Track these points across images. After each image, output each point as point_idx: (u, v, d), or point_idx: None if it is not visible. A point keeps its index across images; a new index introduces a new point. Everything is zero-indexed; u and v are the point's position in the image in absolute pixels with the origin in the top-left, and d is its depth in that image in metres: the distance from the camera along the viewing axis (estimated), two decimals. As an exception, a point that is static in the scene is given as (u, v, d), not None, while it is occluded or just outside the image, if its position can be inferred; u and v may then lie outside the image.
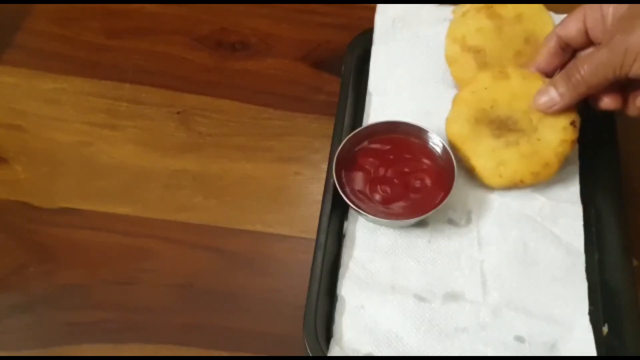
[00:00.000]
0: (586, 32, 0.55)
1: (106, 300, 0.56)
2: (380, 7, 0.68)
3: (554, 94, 0.55)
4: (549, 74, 0.58)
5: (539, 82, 0.58)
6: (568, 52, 0.58)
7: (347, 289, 0.54)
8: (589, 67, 0.52)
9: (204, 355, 0.54)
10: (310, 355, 0.51)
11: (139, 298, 0.57)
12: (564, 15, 0.66)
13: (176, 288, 0.57)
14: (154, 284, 0.57)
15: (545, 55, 0.58)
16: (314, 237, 0.56)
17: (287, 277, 0.58)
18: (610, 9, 0.53)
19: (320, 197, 0.58)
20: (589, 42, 0.56)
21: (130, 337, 0.55)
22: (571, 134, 0.56)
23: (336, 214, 0.57)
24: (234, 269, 0.58)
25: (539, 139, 0.57)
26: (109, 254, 0.59)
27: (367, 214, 0.55)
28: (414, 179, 0.57)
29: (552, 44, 0.58)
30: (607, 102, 0.54)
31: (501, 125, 0.58)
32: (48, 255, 0.58)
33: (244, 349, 0.54)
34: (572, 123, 0.57)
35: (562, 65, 0.58)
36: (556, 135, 0.56)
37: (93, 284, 0.57)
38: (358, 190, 0.57)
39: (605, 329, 0.53)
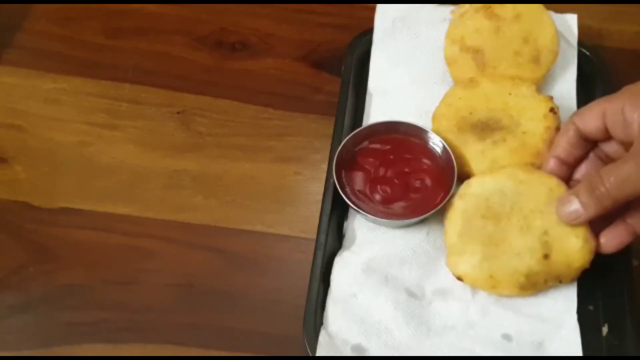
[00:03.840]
0: (606, 130, 0.52)
1: (106, 300, 0.56)
2: (380, 8, 0.68)
3: (577, 206, 0.51)
4: (569, 164, 0.55)
5: (508, 82, 0.59)
6: (589, 142, 0.54)
7: (340, 275, 0.54)
8: (615, 181, 0.48)
9: (203, 355, 0.54)
10: (310, 355, 0.51)
11: (139, 298, 0.57)
12: (562, 15, 0.66)
13: (176, 288, 0.57)
14: (154, 284, 0.57)
15: (564, 145, 0.54)
16: (314, 237, 0.56)
17: (287, 277, 0.58)
18: (635, 114, 0.49)
19: (320, 197, 0.58)
20: (609, 138, 0.53)
21: (130, 337, 0.55)
22: (553, 121, 0.57)
23: (336, 214, 0.57)
24: (234, 269, 0.58)
25: (524, 132, 0.58)
26: (109, 254, 0.59)
27: (367, 214, 0.55)
28: (414, 179, 0.57)
29: (571, 133, 0.54)
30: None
31: (484, 128, 0.58)
32: (48, 255, 0.58)
33: (244, 349, 0.55)
34: (551, 110, 0.58)
35: (583, 156, 0.55)
36: (539, 124, 0.57)
37: (93, 284, 0.57)
38: (358, 190, 0.57)
39: (605, 329, 0.53)
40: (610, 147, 0.54)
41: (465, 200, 0.54)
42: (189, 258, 0.59)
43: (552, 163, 0.55)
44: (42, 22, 0.72)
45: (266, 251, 0.59)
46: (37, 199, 0.61)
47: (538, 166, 0.57)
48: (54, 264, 0.58)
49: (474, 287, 0.54)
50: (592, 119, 0.52)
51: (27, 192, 0.61)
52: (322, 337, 0.51)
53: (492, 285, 0.52)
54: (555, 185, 0.54)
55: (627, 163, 0.49)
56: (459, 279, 0.53)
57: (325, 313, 0.53)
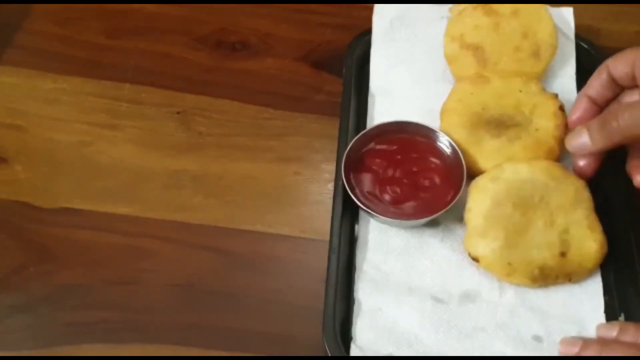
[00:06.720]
0: (633, 77, 0.54)
1: (106, 300, 0.56)
2: (377, 8, 0.68)
3: (585, 139, 0.53)
4: (599, 105, 0.57)
5: (517, 79, 0.60)
6: (618, 86, 0.56)
7: (364, 291, 0.54)
8: (630, 118, 0.50)
9: (204, 355, 0.54)
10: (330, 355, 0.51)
11: (139, 298, 0.57)
12: (559, 9, 0.66)
13: (176, 288, 0.57)
14: (154, 284, 0.57)
15: (596, 86, 0.56)
16: (314, 237, 0.56)
17: (287, 277, 0.58)
18: None
19: (320, 197, 0.58)
20: (635, 85, 0.54)
21: (130, 337, 0.55)
22: (562, 118, 0.58)
23: (347, 217, 0.57)
24: (234, 269, 0.58)
25: (536, 129, 0.58)
26: (109, 254, 0.59)
27: (378, 215, 0.55)
28: (423, 178, 0.57)
29: (603, 76, 0.55)
30: None
31: (499, 124, 0.58)
32: (48, 255, 0.58)
33: (243, 349, 0.54)
34: (560, 107, 0.58)
35: (612, 98, 0.57)
36: (550, 121, 0.58)
37: (93, 284, 0.57)
38: (368, 192, 0.57)
39: (621, 319, 0.54)
40: (633, 98, 0.55)
41: (498, 184, 0.55)
42: (189, 258, 0.59)
43: (584, 101, 0.56)
44: (42, 22, 0.72)
45: (266, 251, 0.59)
46: (37, 199, 0.61)
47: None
48: (54, 264, 0.58)
49: (488, 271, 0.54)
50: (622, 65, 0.54)
51: (27, 192, 0.61)
52: (353, 351, 0.51)
53: (508, 272, 0.53)
54: (582, 186, 0.55)
55: None
56: (475, 259, 0.54)
57: (353, 328, 0.52)
